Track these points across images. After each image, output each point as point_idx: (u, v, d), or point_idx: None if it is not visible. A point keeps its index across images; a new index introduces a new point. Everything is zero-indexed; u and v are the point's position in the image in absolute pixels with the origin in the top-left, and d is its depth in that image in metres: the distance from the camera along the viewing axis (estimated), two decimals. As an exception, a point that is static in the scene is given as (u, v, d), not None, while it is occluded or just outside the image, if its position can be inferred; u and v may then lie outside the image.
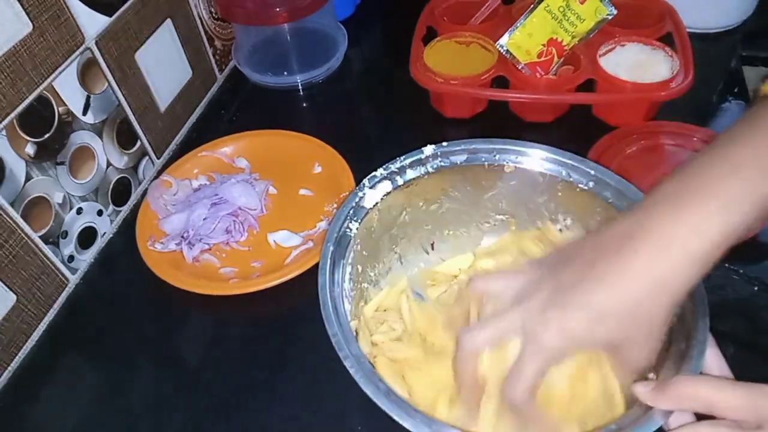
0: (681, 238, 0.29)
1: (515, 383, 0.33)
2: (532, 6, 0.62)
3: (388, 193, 0.45)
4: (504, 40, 0.62)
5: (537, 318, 0.32)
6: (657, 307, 0.31)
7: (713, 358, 0.34)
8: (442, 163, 0.46)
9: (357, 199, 0.44)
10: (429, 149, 0.46)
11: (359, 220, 0.43)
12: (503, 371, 0.34)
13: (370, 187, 0.44)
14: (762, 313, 0.48)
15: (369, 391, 0.33)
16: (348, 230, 0.43)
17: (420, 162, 0.46)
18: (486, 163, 0.46)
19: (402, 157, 0.45)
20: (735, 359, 0.34)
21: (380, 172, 0.45)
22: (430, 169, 0.46)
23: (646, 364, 0.33)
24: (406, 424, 0.32)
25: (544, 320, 0.32)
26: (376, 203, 0.45)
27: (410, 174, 0.46)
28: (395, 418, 0.32)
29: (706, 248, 0.29)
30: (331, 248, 0.41)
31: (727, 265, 0.50)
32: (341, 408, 0.45)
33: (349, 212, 0.43)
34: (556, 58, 0.62)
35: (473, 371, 0.35)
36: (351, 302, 0.42)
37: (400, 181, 0.45)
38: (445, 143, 0.46)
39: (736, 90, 0.67)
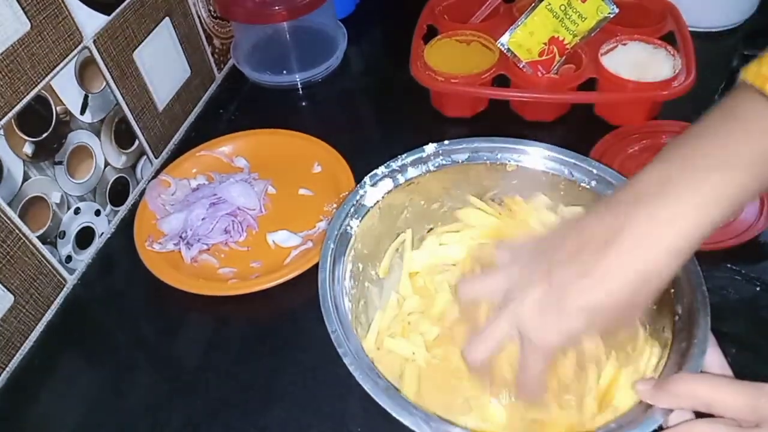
0: (660, 235, 0.30)
1: (525, 383, 0.34)
2: (533, 4, 0.61)
3: (390, 192, 0.45)
4: (505, 38, 0.62)
5: (535, 322, 0.33)
6: (641, 297, 0.32)
7: (714, 357, 0.34)
8: (444, 162, 0.46)
9: (358, 197, 0.44)
10: (430, 147, 0.45)
11: (360, 218, 0.43)
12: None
13: (372, 185, 0.44)
14: (763, 313, 0.48)
15: (368, 387, 0.33)
16: (349, 228, 0.43)
17: (421, 160, 0.45)
18: (488, 161, 0.46)
19: (403, 156, 0.45)
20: (736, 360, 0.34)
21: (381, 170, 0.45)
22: (432, 168, 0.46)
23: (628, 334, 0.37)
24: (405, 421, 0.32)
25: (542, 324, 0.33)
26: (377, 201, 0.44)
27: (412, 172, 0.45)
28: (394, 414, 0.32)
29: (684, 243, 0.30)
30: (332, 246, 0.41)
31: (729, 265, 0.50)
32: (341, 408, 0.45)
33: (350, 210, 0.43)
34: (557, 57, 0.62)
35: (485, 374, 0.37)
36: (351, 300, 0.42)
37: (401, 179, 0.45)
38: (446, 142, 0.46)
39: (737, 89, 0.66)
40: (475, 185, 0.47)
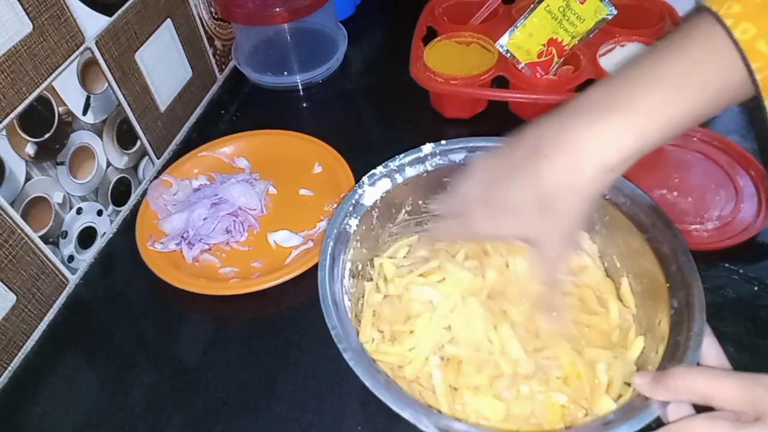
0: (593, 150, 0.32)
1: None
2: (532, 6, 0.62)
3: (388, 191, 0.45)
4: (504, 40, 0.62)
5: (473, 208, 0.37)
6: (569, 206, 0.33)
7: (710, 349, 0.35)
8: (441, 161, 0.46)
9: (357, 197, 0.44)
10: (428, 147, 0.46)
11: (359, 217, 0.44)
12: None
13: (370, 185, 0.45)
14: (762, 313, 0.48)
15: (368, 383, 0.34)
16: (347, 227, 0.43)
17: (419, 160, 0.46)
18: None
19: (401, 156, 0.46)
20: (735, 359, 0.34)
21: (380, 170, 0.45)
22: (429, 168, 0.46)
23: (560, 256, 0.37)
24: (405, 415, 0.32)
25: (477, 210, 0.37)
26: (376, 201, 0.45)
27: (410, 172, 0.46)
28: (394, 409, 0.32)
29: (617, 160, 0.31)
30: (331, 244, 0.41)
31: (727, 265, 0.50)
32: (341, 408, 0.45)
33: (348, 209, 0.43)
34: (556, 58, 0.62)
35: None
36: (351, 299, 0.42)
37: (399, 179, 0.46)
38: (444, 141, 0.46)
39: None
40: None
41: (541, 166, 0.33)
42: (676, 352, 0.34)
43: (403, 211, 0.48)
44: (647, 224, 0.41)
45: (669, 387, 0.32)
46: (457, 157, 0.46)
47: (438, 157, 0.46)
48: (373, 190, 0.45)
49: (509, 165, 0.35)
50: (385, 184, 0.45)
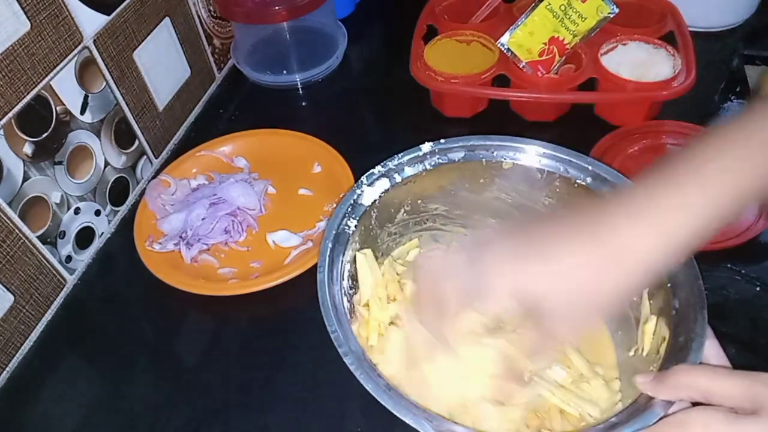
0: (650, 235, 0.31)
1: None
2: (533, 4, 0.61)
3: (387, 191, 0.45)
4: (505, 38, 0.62)
5: (494, 265, 0.34)
6: (602, 288, 0.32)
7: (711, 349, 0.35)
8: (440, 160, 0.46)
9: (355, 197, 0.44)
10: (427, 146, 0.46)
11: (357, 218, 0.43)
12: None
13: (369, 185, 0.44)
14: (763, 313, 0.48)
15: (369, 387, 0.33)
16: (346, 227, 0.43)
17: (418, 159, 0.46)
18: (483, 159, 0.46)
19: (400, 155, 0.45)
20: (736, 360, 0.34)
21: (378, 169, 0.45)
22: (428, 167, 0.46)
23: (562, 339, 0.36)
24: (407, 420, 0.32)
25: (499, 267, 0.34)
26: (375, 200, 0.45)
27: (408, 171, 0.46)
28: (396, 413, 0.32)
29: (668, 251, 0.31)
30: (330, 245, 0.41)
31: (729, 265, 0.50)
32: (341, 408, 0.45)
33: (347, 209, 0.43)
34: (557, 57, 0.62)
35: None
36: (350, 300, 0.42)
37: (398, 178, 0.45)
38: (443, 140, 0.46)
39: (737, 89, 0.66)
40: (471, 183, 0.47)
41: (605, 233, 0.32)
42: (678, 353, 0.34)
43: (402, 210, 0.48)
44: None
45: (671, 384, 0.32)
46: (457, 155, 0.46)
47: (437, 156, 0.46)
48: (372, 190, 0.44)
49: (561, 229, 0.33)
50: (383, 184, 0.45)
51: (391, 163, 0.45)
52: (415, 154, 0.45)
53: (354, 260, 0.43)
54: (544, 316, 0.34)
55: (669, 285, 0.38)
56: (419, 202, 0.48)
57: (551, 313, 0.33)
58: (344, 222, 0.43)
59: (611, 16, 0.61)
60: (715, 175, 0.31)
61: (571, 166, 0.44)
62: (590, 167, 0.44)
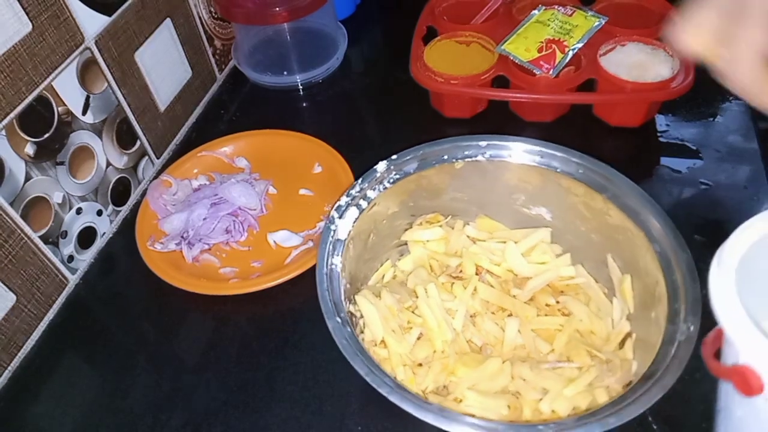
0: None
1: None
2: (522, 21, 0.62)
3: (356, 219, 0.45)
4: (500, 47, 0.63)
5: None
6: None
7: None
8: (397, 176, 0.46)
9: (332, 234, 0.43)
10: (381, 165, 0.46)
11: (340, 254, 0.43)
12: None
13: (340, 218, 0.44)
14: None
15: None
16: (333, 266, 0.42)
17: (377, 181, 0.46)
18: (436, 165, 0.47)
19: (359, 181, 0.46)
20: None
21: (344, 200, 0.45)
22: (387, 185, 0.46)
23: None
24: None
25: None
26: (349, 232, 0.44)
27: (371, 194, 0.46)
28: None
29: None
30: (325, 283, 0.41)
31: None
32: (341, 408, 0.45)
33: (329, 249, 0.43)
34: (558, 54, 0.62)
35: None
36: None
37: (363, 204, 0.45)
38: (395, 156, 0.46)
39: (736, 90, 0.67)
40: (428, 191, 0.48)
41: None
42: (675, 318, 0.36)
43: (371, 235, 0.47)
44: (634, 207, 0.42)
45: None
46: (411, 167, 0.46)
47: (393, 172, 0.46)
48: (344, 222, 0.44)
49: None
50: (353, 213, 0.45)
51: (353, 191, 0.45)
52: (373, 177, 0.46)
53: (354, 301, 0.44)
54: None
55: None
56: (384, 222, 0.48)
57: None
58: (330, 262, 0.42)
59: (602, 24, 0.62)
60: None
61: (554, 159, 0.46)
62: (576, 159, 0.44)
